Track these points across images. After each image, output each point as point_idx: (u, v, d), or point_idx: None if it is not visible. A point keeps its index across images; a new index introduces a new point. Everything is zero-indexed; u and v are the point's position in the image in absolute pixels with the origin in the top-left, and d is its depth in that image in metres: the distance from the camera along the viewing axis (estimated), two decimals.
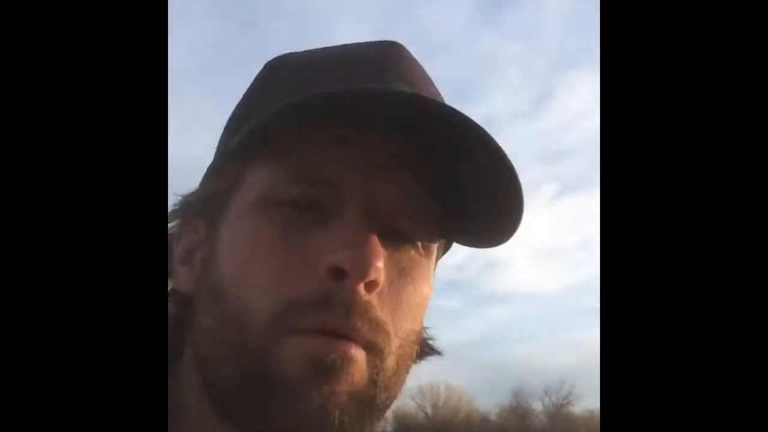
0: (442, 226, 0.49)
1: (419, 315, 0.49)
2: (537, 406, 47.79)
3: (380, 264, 0.43)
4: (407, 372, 0.49)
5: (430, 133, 0.44)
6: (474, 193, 0.48)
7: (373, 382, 0.45)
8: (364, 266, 0.42)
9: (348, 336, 0.43)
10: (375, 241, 0.43)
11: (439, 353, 0.54)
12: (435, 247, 0.50)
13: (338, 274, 0.42)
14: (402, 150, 0.45)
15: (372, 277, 0.43)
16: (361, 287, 0.43)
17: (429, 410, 46.07)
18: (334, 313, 0.43)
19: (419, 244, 0.48)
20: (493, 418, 48.21)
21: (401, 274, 0.47)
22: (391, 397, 0.48)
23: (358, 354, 0.44)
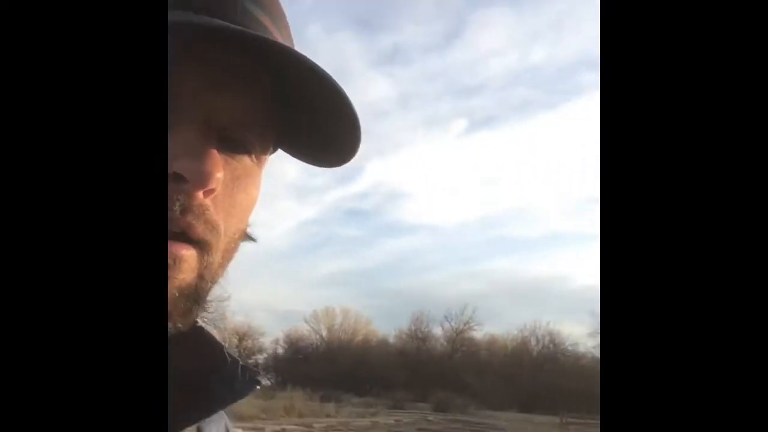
0: (277, 139, 0.55)
1: (247, 216, 0.54)
2: (437, 331, 47.42)
3: (219, 175, 0.47)
4: (230, 262, 0.53)
5: (269, 58, 0.48)
6: (307, 116, 0.53)
7: (201, 276, 0.49)
8: (204, 176, 0.46)
9: (182, 234, 0.47)
10: (214, 152, 0.47)
11: (254, 240, 0.57)
12: (267, 157, 0.55)
13: (178, 179, 0.46)
14: (242, 69, 0.49)
15: (211, 186, 0.47)
16: (200, 193, 0.47)
17: (324, 333, 45.02)
18: (171, 212, 0.47)
19: (254, 154, 0.52)
20: (391, 341, 47.66)
21: (235, 180, 0.51)
22: (214, 285, 0.52)
23: (189, 253, 0.48)
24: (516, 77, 64.48)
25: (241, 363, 0.57)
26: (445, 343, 45.84)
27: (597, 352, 40.82)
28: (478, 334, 45.66)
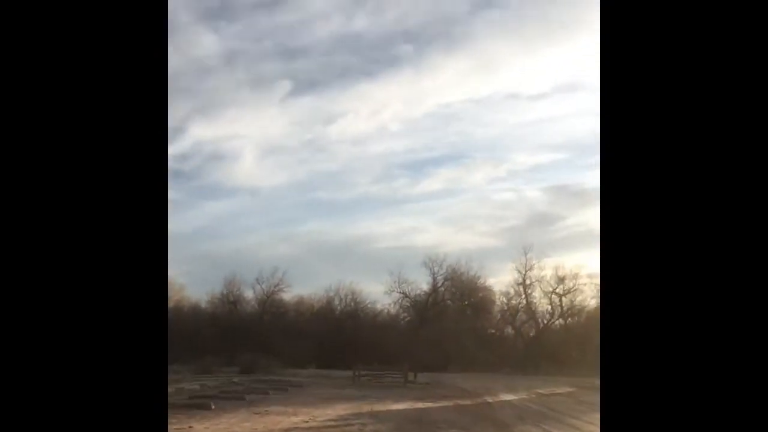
0: None
1: None
2: (249, 294, 48.60)
3: None
4: None
5: None
6: None
7: None
8: None
9: None
10: None
11: None
12: None
13: None
14: None
15: None
16: None
17: None
18: None
19: None
20: (203, 305, 47.93)
21: None
22: None
23: None
24: (340, 42, 65.83)
25: None
26: (256, 306, 47.11)
27: (392, 309, 45.05)
28: (288, 295, 47.49)
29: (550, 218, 61.59)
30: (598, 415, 10.83)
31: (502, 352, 40.38)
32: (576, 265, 43.86)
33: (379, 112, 68.59)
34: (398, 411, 14.22)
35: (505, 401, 17.98)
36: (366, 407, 14.31)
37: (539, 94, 68.12)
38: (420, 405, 15.90)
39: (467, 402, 17.25)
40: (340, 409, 13.81)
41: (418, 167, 70.36)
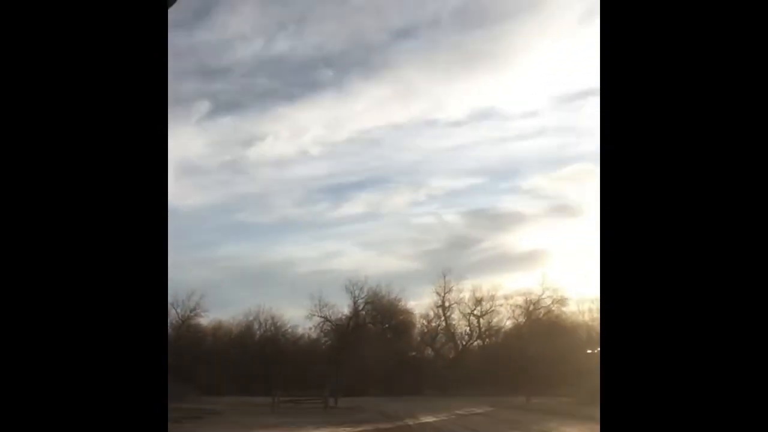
0: None
1: None
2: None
3: None
4: None
5: None
6: None
7: None
8: None
9: None
10: None
11: None
12: None
13: None
14: None
15: None
16: None
17: None
18: None
19: None
20: None
21: None
22: None
23: None
24: (260, 65, 65.32)
25: None
26: (171, 332, 45.45)
27: (314, 333, 44.54)
28: (205, 320, 46.11)
29: (468, 241, 63.13)
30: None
31: (422, 374, 40.70)
32: (492, 286, 45.11)
33: (299, 135, 68.45)
34: None
35: (426, 423, 18.14)
36: None
37: (455, 121, 70.07)
38: (340, 430, 15.79)
39: (388, 425, 17.28)
40: None
41: (339, 191, 70.54)
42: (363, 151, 64.12)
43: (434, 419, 19.49)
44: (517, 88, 66.18)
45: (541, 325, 43.44)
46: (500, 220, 58.82)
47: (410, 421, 18.40)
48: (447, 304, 44.19)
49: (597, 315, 44.09)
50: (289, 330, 45.58)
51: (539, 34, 58.69)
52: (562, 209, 59.75)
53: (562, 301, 44.55)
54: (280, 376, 34.62)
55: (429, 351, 44.72)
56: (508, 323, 44.27)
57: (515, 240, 71.89)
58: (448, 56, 59.36)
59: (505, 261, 60.73)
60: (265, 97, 68.08)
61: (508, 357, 39.74)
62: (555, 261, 65.07)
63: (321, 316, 43.86)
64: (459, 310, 44.18)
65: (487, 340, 44.24)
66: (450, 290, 44.10)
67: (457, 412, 22.43)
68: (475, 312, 43.92)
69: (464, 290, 43.92)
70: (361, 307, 44.35)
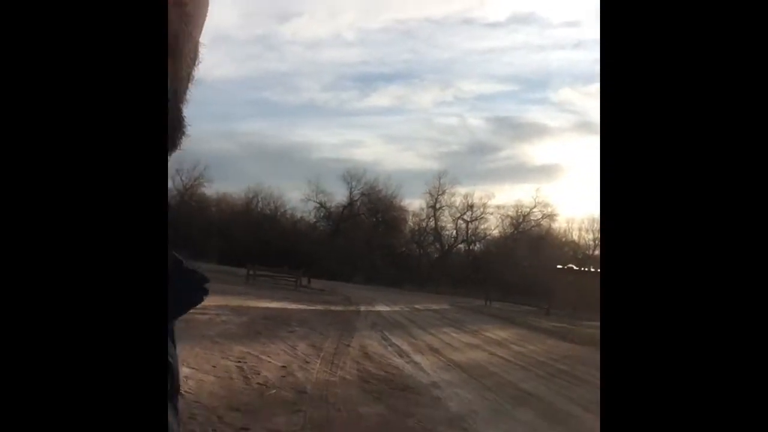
0: None
1: None
2: (169, 184, 49.06)
3: None
4: None
5: None
6: None
7: None
8: None
9: None
10: None
11: None
12: None
13: None
14: None
15: None
16: None
17: None
18: None
19: None
20: None
21: None
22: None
23: None
24: None
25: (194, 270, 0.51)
26: (178, 197, 47.51)
27: (310, 216, 46.34)
28: (210, 191, 47.89)
29: (488, 148, 63.34)
30: (446, 328, 13.16)
31: (406, 269, 42.77)
32: (486, 194, 46.17)
33: (334, 18, 66.98)
34: (264, 308, 15.60)
35: (375, 311, 19.79)
36: (236, 302, 15.60)
37: (494, 22, 68.07)
38: (291, 306, 17.37)
39: (338, 308, 18.91)
40: (210, 301, 15.07)
41: (368, 80, 69.73)
42: (396, 42, 62.91)
43: (387, 309, 21.17)
44: None
45: (527, 237, 44.84)
46: (524, 130, 58.67)
47: (363, 308, 20.07)
48: (438, 205, 45.50)
49: (585, 233, 45.18)
50: (289, 210, 47.46)
51: None
52: (587, 126, 59.06)
53: (551, 217, 45.68)
54: (270, 252, 36.63)
55: (415, 248, 46.61)
56: (495, 231, 45.70)
57: (535, 151, 71.87)
58: None
59: (522, 172, 61.27)
60: None
61: (490, 263, 41.50)
62: (571, 177, 65.21)
63: (317, 202, 45.50)
64: (449, 213, 45.56)
65: (472, 245, 45.92)
66: (443, 192, 45.26)
67: (416, 306, 24.18)
68: (465, 217, 45.28)
69: (457, 195, 45.08)
70: (356, 198, 45.82)
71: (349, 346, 10.91)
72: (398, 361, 9.82)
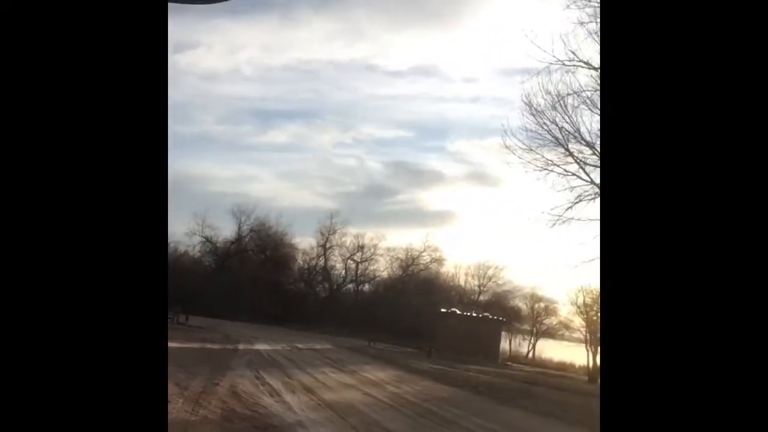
0: None
1: None
2: None
3: None
4: None
5: None
6: None
7: None
8: None
9: None
10: None
11: None
12: None
13: None
14: None
15: None
16: None
17: None
18: None
19: None
20: None
21: None
22: None
23: None
24: None
25: None
26: None
27: (195, 251, 44.52)
28: None
29: (385, 191, 64.16)
30: (325, 368, 12.68)
31: (293, 307, 42.07)
32: (376, 236, 46.78)
33: (235, 52, 66.18)
34: None
35: (254, 350, 19.24)
36: None
37: (396, 71, 70.12)
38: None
39: (215, 346, 18.22)
40: None
41: (266, 117, 68.93)
42: (298, 81, 62.89)
43: (267, 348, 20.66)
44: (462, 51, 66.72)
45: (415, 280, 45.70)
46: (421, 176, 60.09)
47: (241, 346, 19.45)
48: (329, 245, 45.57)
49: (471, 279, 46.75)
50: (171, 244, 45.39)
51: (493, 2, 59.02)
52: (481, 177, 61.59)
53: (440, 261, 46.92)
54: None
55: (304, 287, 46.14)
56: (385, 273, 46.30)
57: (430, 197, 73.77)
58: (400, 4, 58.81)
59: (418, 216, 62.58)
60: (207, 5, 64.56)
61: (377, 304, 41.80)
62: (462, 224, 67.57)
63: (202, 236, 44.06)
64: (339, 253, 45.72)
65: (361, 285, 46.19)
66: (334, 232, 45.44)
67: (298, 345, 23.79)
68: (355, 257, 45.60)
69: (348, 235, 45.37)
70: (245, 234, 44.88)
71: (218, 385, 10.50)
72: (268, 401, 9.57)
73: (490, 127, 64.42)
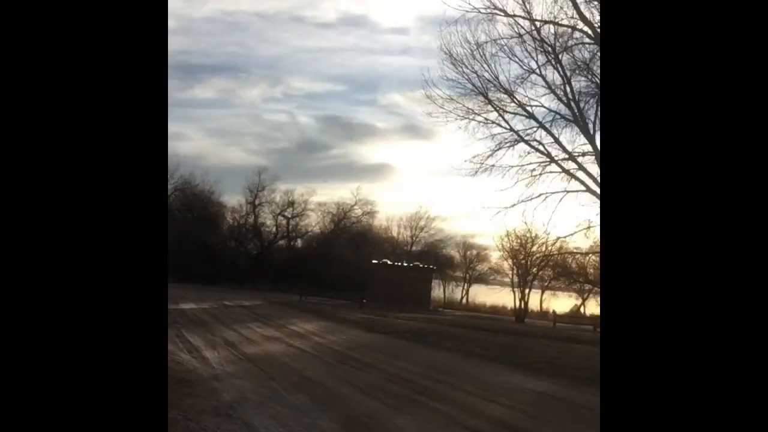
0: None
1: None
2: None
3: None
4: None
5: None
6: None
7: None
8: None
9: None
10: None
11: None
12: None
13: None
14: None
15: None
16: None
17: None
18: None
19: None
20: None
21: None
22: None
23: None
24: None
25: None
26: None
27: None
28: None
29: (318, 146, 63.18)
30: (252, 323, 12.25)
31: (223, 266, 41.43)
32: (307, 191, 46.36)
33: None
34: None
35: (179, 309, 18.82)
36: None
37: (325, 23, 68.45)
38: None
39: None
40: None
41: (191, 71, 66.31)
42: (223, 33, 60.46)
43: (193, 307, 20.26)
44: (391, 1, 65.58)
45: (348, 234, 45.77)
46: (353, 130, 59.47)
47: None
48: (258, 202, 44.81)
49: (404, 230, 47.21)
50: None
51: None
52: (413, 129, 61.49)
53: (371, 214, 47.10)
54: None
55: (234, 245, 45.41)
56: (317, 228, 46.11)
57: (364, 151, 73.51)
58: None
59: (354, 170, 62.24)
60: None
61: (310, 259, 41.69)
62: (396, 177, 67.71)
63: None
64: (269, 209, 45.09)
65: (293, 241, 45.85)
66: (263, 188, 44.66)
67: (226, 303, 23.46)
68: (285, 213, 45.10)
69: (277, 191, 44.73)
70: (170, 193, 43.41)
71: None
72: (184, 357, 9.36)
73: (421, 79, 63.98)
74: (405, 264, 36.99)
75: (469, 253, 48.17)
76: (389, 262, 37.19)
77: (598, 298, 29.37)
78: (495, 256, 44.56)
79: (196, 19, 61.15)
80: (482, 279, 48.85)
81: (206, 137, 61.34)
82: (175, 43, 63.04)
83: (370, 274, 35.14)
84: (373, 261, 36.98)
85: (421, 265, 37.95)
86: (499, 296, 43.16)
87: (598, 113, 14.60)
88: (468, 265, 48.23)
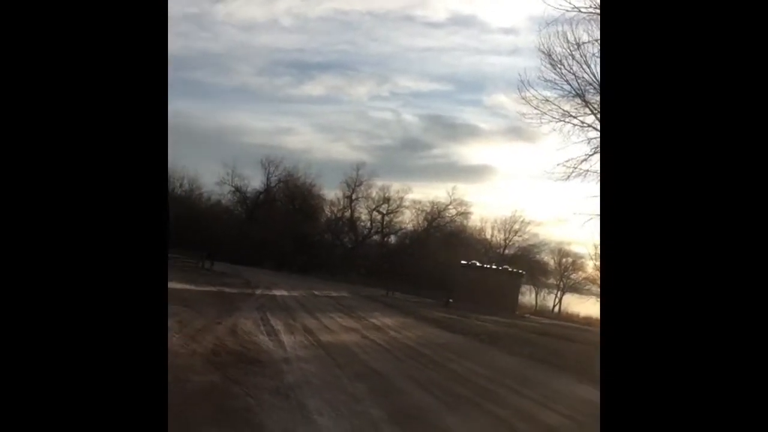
0: None
1: None
2: None
3: None
4: None
5: None
6: None
7: None
8: None
9: None
10: None
11: None
12: None
13: None
14: None
15: None
16: None
17: None
18: None
19: None
20: None
21: None
22: None
23: None
24: None
25: None
26: None
27: (225, 200, 45.33)
28: None
29: (420, 144, 63.57)
30: (334, 313, 13.01)
31: (318, 257, 42.83)
32: (402, 188, 46.88)
33: (273, 2, 65.55)
34: None
35: (270, 295, 19.82)
36: None
37: (435, 22, 68.73)
38: (177, 285, 17.03)
39: (232, 290, 18.81)
40: None
41: (303, 68, 68.91)
42: (335, 32, 62.26)
43: (284, 293, 21.25)
44: (502, 1, 64.56)
45: (440, 233, 45.91)
46: (456, 130, 59.44)
47: (259, 291, 20.06)
48: (355, 196, 45.95)
49: (498, 233, 46.69)
50: (204, 194, 46.32)
51: None
52: (517, 131, 60.51)
53: (465, 215, 46.94)
54: (179, 233, 35.55)
55: (330, 237, 46.81)
56: (410, 225, 46.61)
57: (466, 151, 73.17)
58: None
59: (454, 170, 62.17)
60: None
61: (402, 255, 42.27)
62: (495, 179, 66.84)
63: (232, 186, 44.85)
64: (365, 204, 46.13)
65: (386, 237, 46.65)
66: (360, 183, 45.74)
67: (315, 292, 24.40)
68: (380, 209, 45.95)
69: (374, 187, 45.60)
70: (274, 185, 45.52)
71: (220, 323, 10.93)
72: (262, 339, 9.93)
73: (528, 79, 62.07)
74: (494, 267, 36.66)
75: (564, 260, 46.85)
76: (478, 264, 36.97)
77: None
78: (591, 266, 43.05)
79: (311, 18, 63.25)
80: (576, 288, 47.31)
81: (314, 132, 63.50)
82: (289, 41, 65.64)
83: (458, 274, 35.13)
84: (462, 262, 36.89)
85: (510, 269, 37.43)
86: (595, 307, 41.57)
87: None
88: (562, 272, 46.91)
